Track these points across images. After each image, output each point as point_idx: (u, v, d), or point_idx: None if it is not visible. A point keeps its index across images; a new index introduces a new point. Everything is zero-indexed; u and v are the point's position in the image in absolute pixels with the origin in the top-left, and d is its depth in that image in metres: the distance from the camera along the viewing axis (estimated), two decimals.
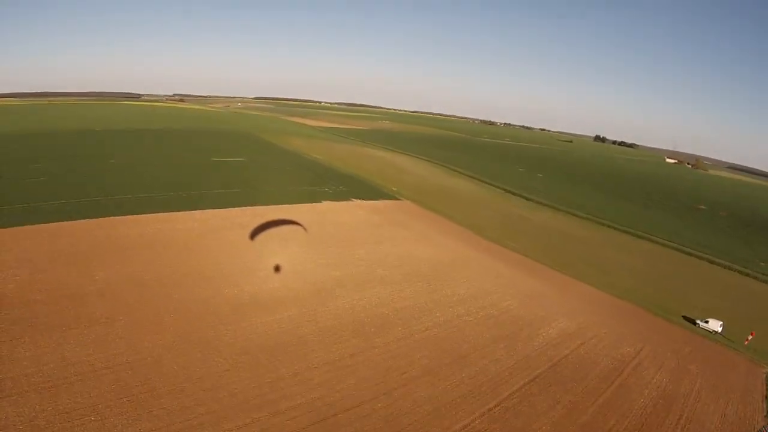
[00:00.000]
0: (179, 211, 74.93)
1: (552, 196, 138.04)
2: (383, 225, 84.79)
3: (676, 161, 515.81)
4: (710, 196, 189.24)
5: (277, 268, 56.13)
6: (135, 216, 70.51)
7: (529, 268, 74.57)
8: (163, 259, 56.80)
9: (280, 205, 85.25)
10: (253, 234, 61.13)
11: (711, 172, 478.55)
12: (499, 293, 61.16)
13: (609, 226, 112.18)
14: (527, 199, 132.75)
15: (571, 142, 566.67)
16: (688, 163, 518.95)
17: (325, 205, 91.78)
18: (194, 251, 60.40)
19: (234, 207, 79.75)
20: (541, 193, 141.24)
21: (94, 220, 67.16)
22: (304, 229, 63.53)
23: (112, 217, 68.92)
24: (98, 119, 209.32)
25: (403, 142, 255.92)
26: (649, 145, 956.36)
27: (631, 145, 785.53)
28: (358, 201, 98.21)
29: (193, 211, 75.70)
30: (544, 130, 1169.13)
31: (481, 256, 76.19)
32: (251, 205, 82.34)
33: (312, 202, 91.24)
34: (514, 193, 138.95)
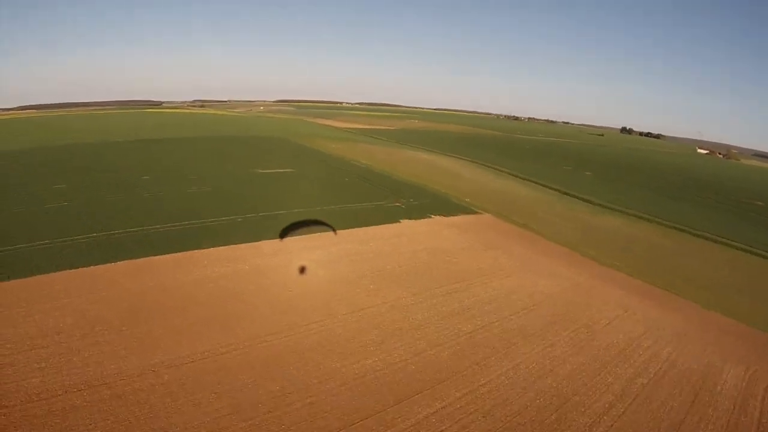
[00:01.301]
0: (240, 243, 58.62)
1: (609, 197, 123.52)
2: (481, 249, 69.43)
3: (707, 152, 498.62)
4: (761, 190, 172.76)
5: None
6: (188, 253, 54.21)
7: (644, 293, 60.67)
8: (254, 319, 40.00)
9: (356, 229, 69.20)
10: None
11: (743, 161, 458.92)
12: (650, 338, 47.48)
13: (680, 230, 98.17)
14: (587, 201, 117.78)
15: (602, 135, 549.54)
16: (719, 153, 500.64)
17: (405, 225, 75.72)
18: (289, 303, 44.45)
19: (304, 234, 62.53)
20: (598, 193, 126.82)
21: (136, 261, 52.45)
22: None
23: (160, 257, 53.46)
24: (122, 129, 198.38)
25: (440, 143, 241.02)
26: (674, 135, 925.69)
27: (657, 136, 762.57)
28: (437, 217, 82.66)
29: (257, 243, 59.44)
30: (567, 123, 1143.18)
31: (595, 283, 61.71)
32: (321, 229, 65.47)
33: (389, 222, 74.94)
34: (570, 195, 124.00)
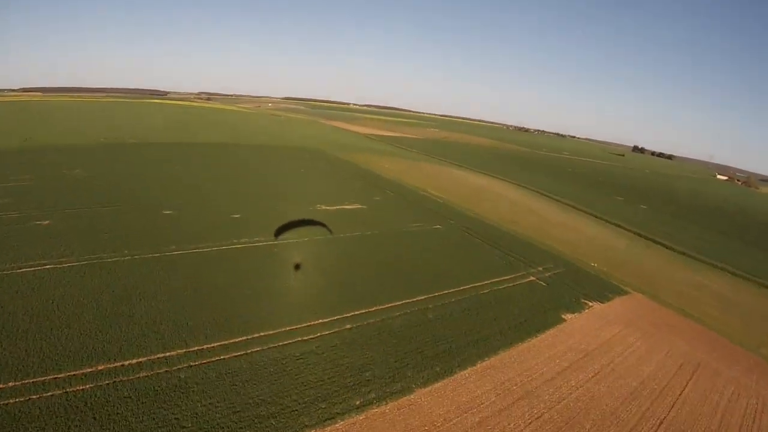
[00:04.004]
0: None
1: (677, 239, 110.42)
2: (696, 372, 47.31)
3: (727, 178, 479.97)
4: None
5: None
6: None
7: None
8: None
9: (514, 347, 42.06)
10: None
11: (762, 189, 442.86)
12: None
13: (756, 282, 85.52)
14: (683, 254, 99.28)
15: (623, 155, 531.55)
16: (739, 180, 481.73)
17: (574, 326, 49.78)
18: None
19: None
20: (679, 239, 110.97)
21: None
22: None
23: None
24: (131, 125, 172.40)
25: (476, 159, 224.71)
26: (684, 156, 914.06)
27: (669, 157, 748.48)
28: (595, 305, 58.00)
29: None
30: (574, 137, 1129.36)
31: None
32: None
33: (554, 323, 47.84)
34: (659, 243, 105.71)
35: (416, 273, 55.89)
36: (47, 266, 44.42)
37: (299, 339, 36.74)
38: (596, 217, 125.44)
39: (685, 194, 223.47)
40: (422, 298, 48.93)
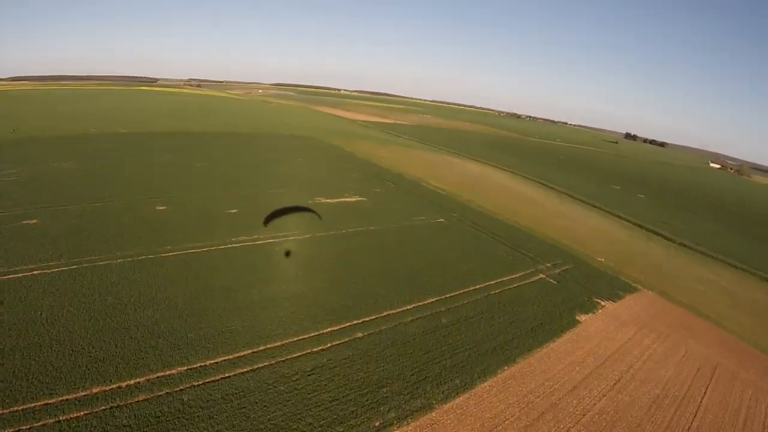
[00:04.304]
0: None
1: (677, 230, 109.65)
2: (723, 381, 45.41)
3: (720, 166, 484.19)
4: None
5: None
6: None
7: None
8: None
9: (533, 354, 40.02)
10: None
11: (755, 178, 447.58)
12: None
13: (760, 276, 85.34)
14: (686, 247, 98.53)
15: (617, 143, 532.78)
16: (731, 169, 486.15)
17: (591, 329, 48.21)
18: None
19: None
20: (678, 230, 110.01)
21: None
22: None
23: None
24: (122, 114, 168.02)
25: (469, 146, 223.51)
26: (677, 143, 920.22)
27: (662, 144, 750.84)
28: (608, 305, 57.08)
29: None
30: (566, 124, 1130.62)
31: None
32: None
33: (570, 326, 46.05)
34: (660, 235, 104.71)
35: (424, 272, 53.60)
36: (35, 272, 41.31)
37: (309, 351, 34.24)
38: (595, 207, 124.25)
39: (681, 184, 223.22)
40: (434, 300, 46.61)
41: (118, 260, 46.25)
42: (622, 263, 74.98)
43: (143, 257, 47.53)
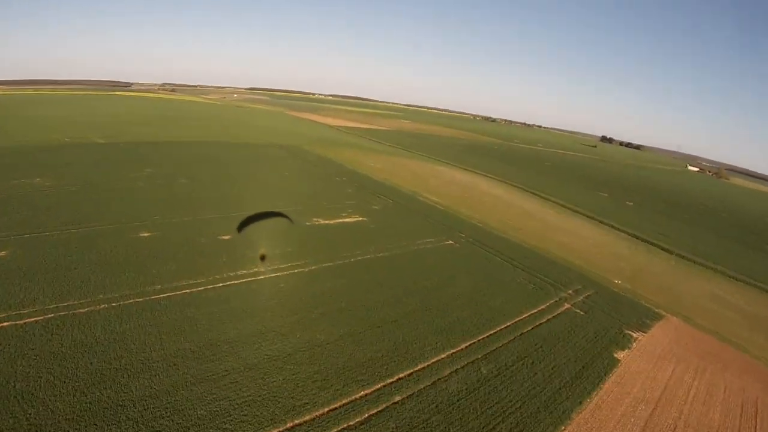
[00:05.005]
0: None
1: (673, 240, 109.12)
2: None
3: (698, 170, 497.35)
4: None
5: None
6: None
7: None
8: None
9: (585, 407, 36.78)
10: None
11: (732, 180, 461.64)
12: None
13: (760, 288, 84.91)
14: (665, 250, 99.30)
15: (595, 147, 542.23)
16: (709, 172, 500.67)
17: (627, 366, 44.01)
18: None
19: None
20: (675, 241, 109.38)
21: None
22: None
23: None
24: (97, 121, 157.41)
25: (451, 152, 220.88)
26: (652, 146, 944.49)
27: (638, 147, 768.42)
28: (640, 337, 54.13)
29: None
30: (540, 127, 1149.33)
31: None
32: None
33: (603, 365, 42.44)
34: (641, 239, 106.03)
35: (450, 309, 48.80)
36: (4, 323, 34.57)
37: (345, 426, 28.53)
38: (589, 217, 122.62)
39: (666, 189, 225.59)
40: (467, 345, 41.76)
41: (102, 306, 39.75)
42: (635, 283, 72.75)
43: (131, 301, 41.04)
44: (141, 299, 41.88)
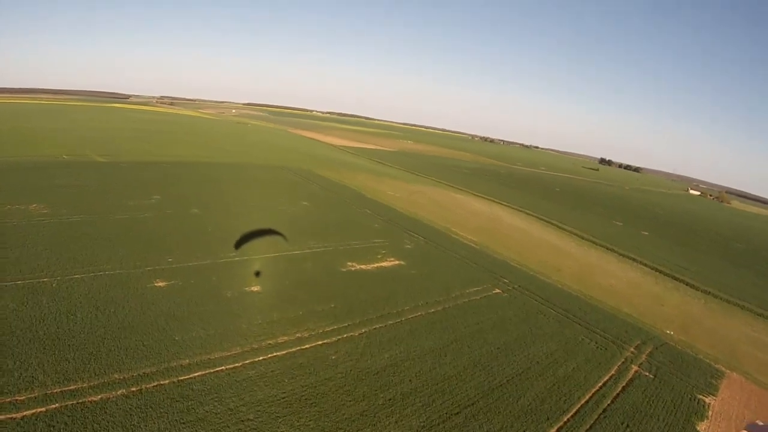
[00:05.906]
0: None
1: (695, 274, 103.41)
2: None
3: (699, 193, 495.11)
4: None
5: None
6: None
7: None
8: None
9: None
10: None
11: (734, 204, 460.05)
12: None
13: None
14: (691, 286, 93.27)
15: (597, 170, 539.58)
16: (710, 195, 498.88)
17: None
18: None
19: None
20: (685, 270, 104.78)
21: None
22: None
23: None
24: (97, 136, 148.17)
25: (460, 177, 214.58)
26: (650, 168, 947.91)
27: (636, 170, 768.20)
28: (711, 402, 48.72)
29: None
30: (537, 148, 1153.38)
31: None
32: None
33: None
34: (665, 274, 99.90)
35: (523, 382, 41.29)
36: None
37: None
38: (610, 249, 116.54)
39: (677, 217, 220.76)
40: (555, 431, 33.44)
41: (119, 392, 31.14)
42: (685, 333, 66.58)
43: (154, 384, 32.33)
44: (166, 381, 33.33)
